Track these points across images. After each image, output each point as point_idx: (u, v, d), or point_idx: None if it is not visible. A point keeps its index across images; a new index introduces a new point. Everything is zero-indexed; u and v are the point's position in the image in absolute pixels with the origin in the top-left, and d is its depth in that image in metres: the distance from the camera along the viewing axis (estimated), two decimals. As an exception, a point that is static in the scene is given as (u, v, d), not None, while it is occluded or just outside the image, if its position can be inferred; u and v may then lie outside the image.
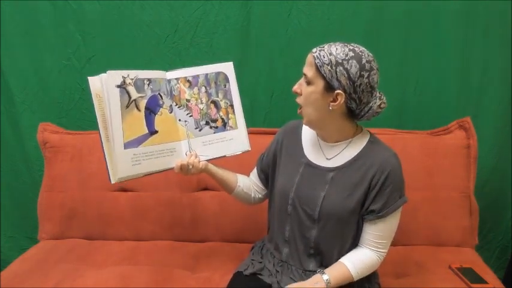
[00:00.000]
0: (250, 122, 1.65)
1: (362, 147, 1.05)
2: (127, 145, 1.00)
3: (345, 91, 0.95)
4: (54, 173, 1.56)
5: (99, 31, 1.61)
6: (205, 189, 1.55)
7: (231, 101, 1.17)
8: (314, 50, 0.99)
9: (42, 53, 1.64)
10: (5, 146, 1.77)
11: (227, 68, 1.16)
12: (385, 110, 1.61)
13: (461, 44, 1.57)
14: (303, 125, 1.17)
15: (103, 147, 1.01)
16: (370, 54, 0.97)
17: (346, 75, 0.94)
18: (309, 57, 0.99)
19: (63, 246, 1.48)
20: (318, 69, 0.96)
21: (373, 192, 1.01)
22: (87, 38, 1.62)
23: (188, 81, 1.13)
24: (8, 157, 1.78)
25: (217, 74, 1.15)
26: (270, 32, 1.59)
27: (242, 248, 1.44)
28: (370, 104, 0.99)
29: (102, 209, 1.53)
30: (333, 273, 1.03)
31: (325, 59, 0.95)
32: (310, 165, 1.09)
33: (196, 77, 1.13)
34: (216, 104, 1.15)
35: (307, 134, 1.15)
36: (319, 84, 0.97)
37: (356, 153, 1.05)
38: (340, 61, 0.94)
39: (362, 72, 0.94)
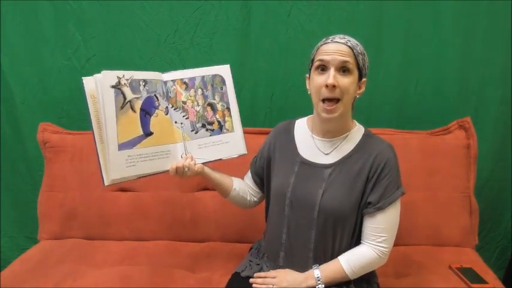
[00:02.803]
0: (250, 122, 1.68)
1: (358, 141, 1.06)
2: (121, 146, 0.98)
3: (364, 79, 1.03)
4: (54, 173, 1.56)
5: (99, 31, 1.61)
6: (205, 189, 1.55)
7: (227, 103, 1.15)
8: (342, 40, 0.97)
9: (42, 53, 1.65)
10: (5, 146, 1.77)
11: (224, 70, 1.15)
12: (385, 110, 1.65)
13: (461, 44, 1.57)
14: (295, 124, 1.17)
15: (97, 149, 0.99)
16: None
17: (367, 63, 1.02)
18: (342, 47, 0.96)
19: (63, 246, 1.48)
20: (355, 58, 0.97)
21: (371, 183, 1.01)
22: (87, 38, 1.62)
23: (185, 83, 1.11)
24: (8, 157, 1.78)
25: (214, 76, 1.14)
26: (270, 32, 1.59)
27: (242, 248, 1.44)
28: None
29: (102, 209, 1.53)
30: (325, 270, 1.03)
31: (358, 48, 0.98)
32: (305, 163, 1.08)
33: (192, 79, 1.12)
34: (212, 106, 1.14)
35: (301, 132, 1.14)
36: (355, 73, 0.99)
37: (352, 148, 1.05)
38: (364, 51, 1.00)
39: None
